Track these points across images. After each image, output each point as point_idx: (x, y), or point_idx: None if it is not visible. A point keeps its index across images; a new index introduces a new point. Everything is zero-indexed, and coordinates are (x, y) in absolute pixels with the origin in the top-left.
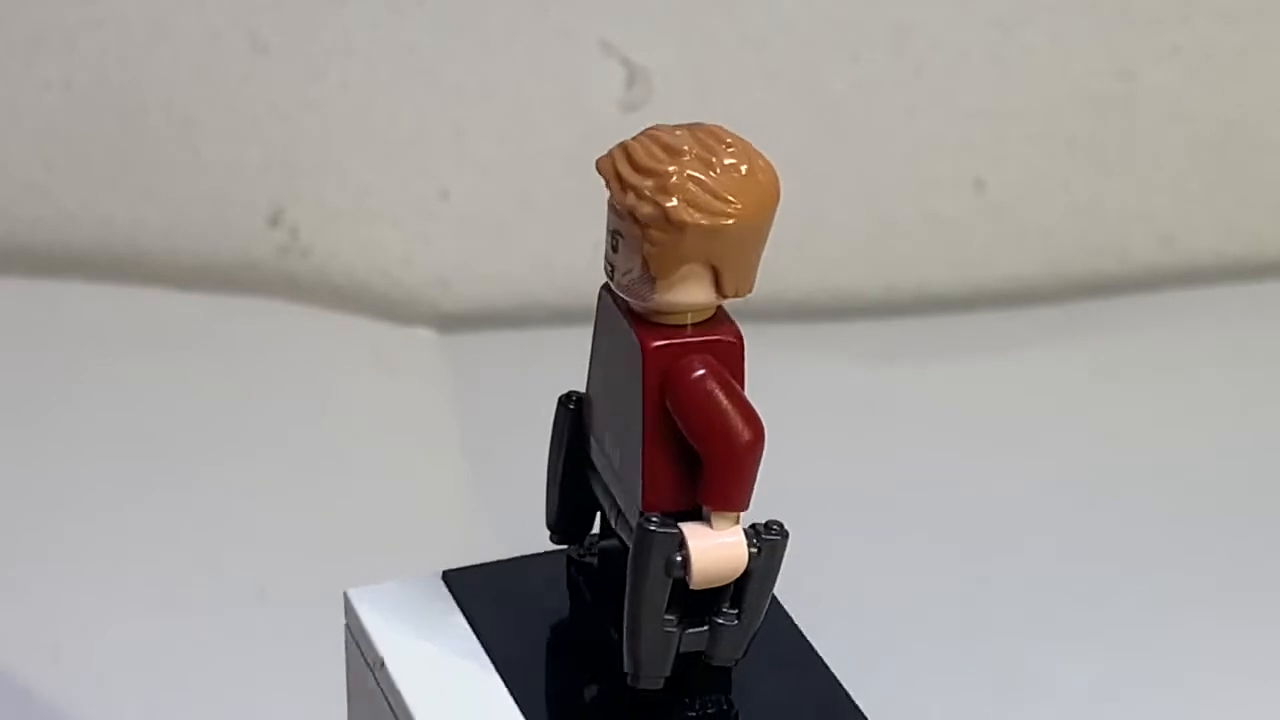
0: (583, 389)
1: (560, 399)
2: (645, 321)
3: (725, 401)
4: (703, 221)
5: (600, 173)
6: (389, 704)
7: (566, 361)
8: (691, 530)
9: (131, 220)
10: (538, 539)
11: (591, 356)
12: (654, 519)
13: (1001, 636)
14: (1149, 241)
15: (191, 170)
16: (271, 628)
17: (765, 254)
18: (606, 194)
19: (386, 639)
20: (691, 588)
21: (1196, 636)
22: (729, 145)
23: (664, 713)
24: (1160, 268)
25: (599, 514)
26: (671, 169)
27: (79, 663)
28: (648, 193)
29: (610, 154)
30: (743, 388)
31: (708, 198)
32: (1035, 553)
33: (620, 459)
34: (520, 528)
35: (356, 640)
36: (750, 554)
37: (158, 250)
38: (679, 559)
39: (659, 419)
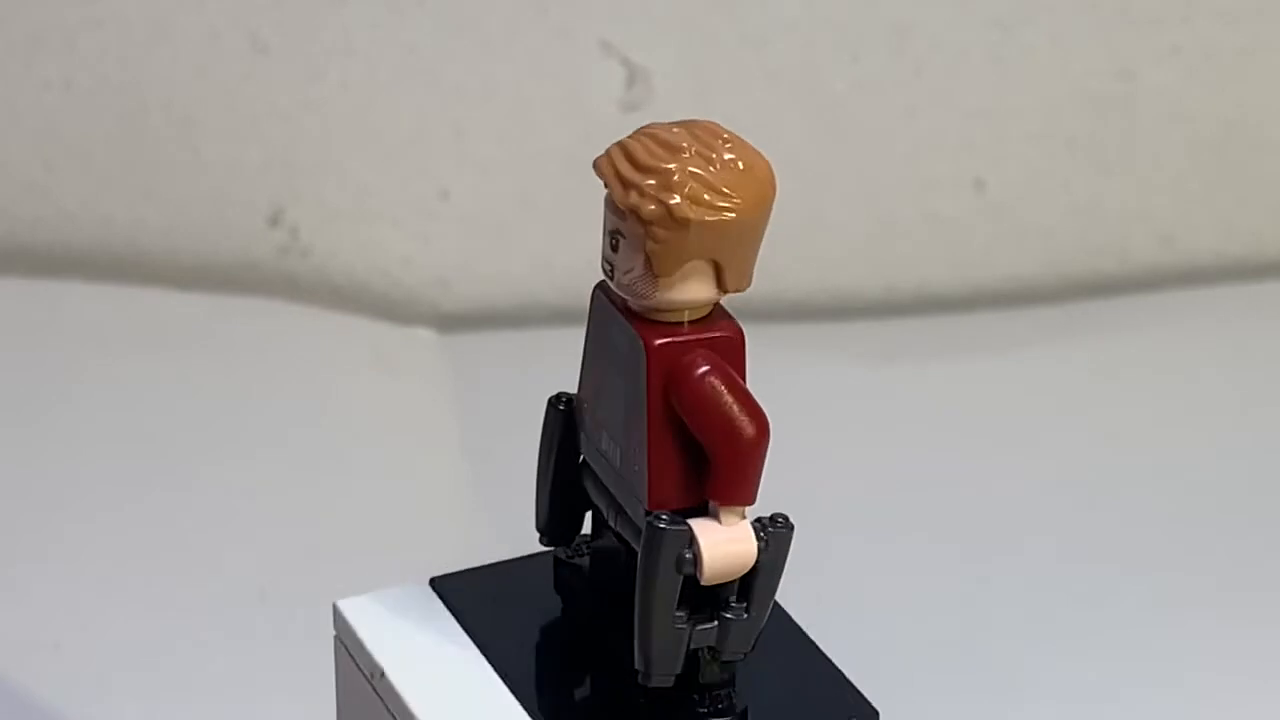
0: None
1: (550, 400)
2: (644, 320)
3: (731, 397)
4: (707, 217)
5: (599, 173)
6: (390, 714)
7: (567, 362)
8: (700, 526)
9: (131, 220)
10: (537, 540)
11: (585, 356)
12: (663, 517)
13: (1001, 636)
14: (1149, 241)
15: (191, 170)
16: (271, 628)
17: (765, 254)
18: (604, 194)
19: (384, 648)
20: (703, 584)
21: (1196, 636)
22: (726, 141)
23: (675, 709)
24: (1160, 268)
25: (590, 515)
26: (672, 166)
27: (79, 662)
28: (650, 191)
29: (608, 154)
30: (745, 383)
31: (710, 193)
32: (1035, 553)
33: (620, 458)
34: (520, 528)
35: (350, 651)
36: (759, 547)
37: (158, 250)
38: (689, 556)
39: (663, 417)
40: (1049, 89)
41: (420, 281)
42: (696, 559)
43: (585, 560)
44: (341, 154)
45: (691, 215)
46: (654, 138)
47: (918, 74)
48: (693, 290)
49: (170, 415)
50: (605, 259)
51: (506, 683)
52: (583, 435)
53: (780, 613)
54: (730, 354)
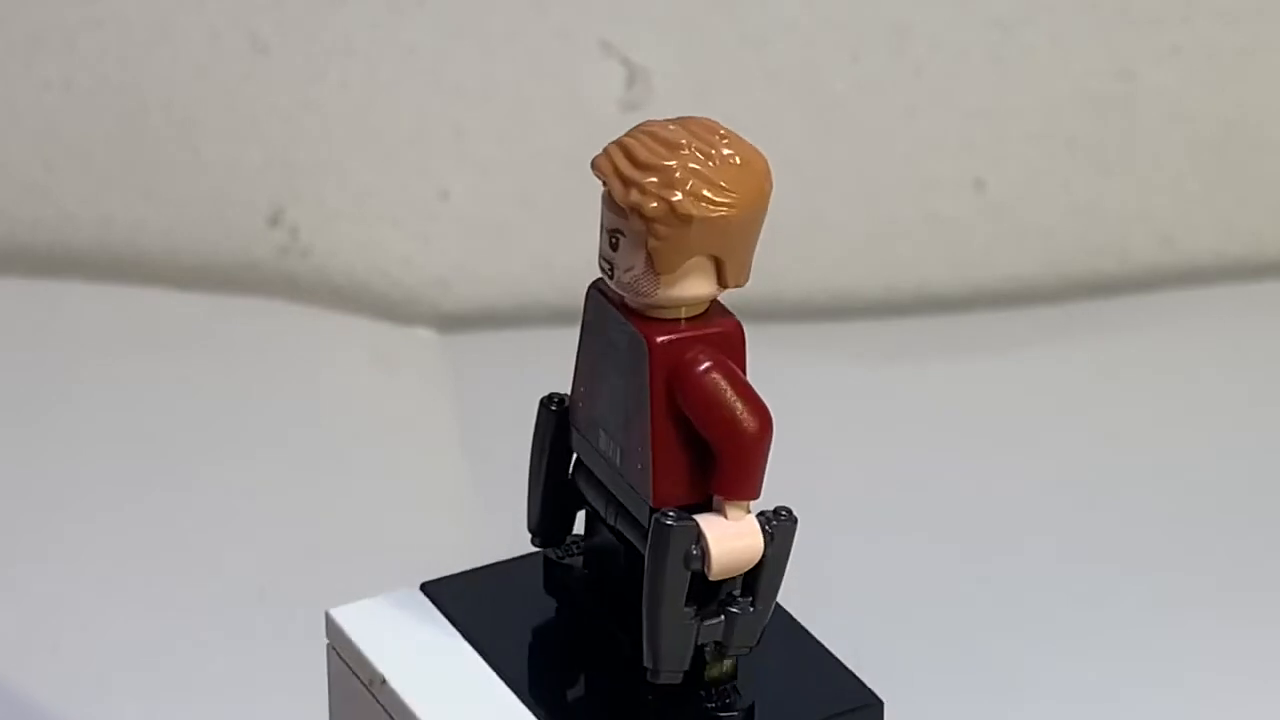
0: None
1: (542, 401)
2: (644, 317)
3: (735, 391)
4: (709, 213)
5: (599, 172)
6: None
7: (566, 362)
8: (707, 522)
9: (131, 220)
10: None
11: (579, 356)
12: (670, 514)
13: (1001, 636)
14: (1149, 241)
15: (191, 170)
16: (270, 628)
17: (764, 254)
18: (602, 192)
19: (382, 655)
20: (710, 579)
21: (1196, 636)
22: (723, 137)
23: (682, 704)
24: (1160, 268)
25: (583, 515)
26: (673, 163)
27: (78, 662)
28: (652, 189)
29: (607, 152)
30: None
31: (710, 190)
32: (1035, 553)
33: (620, 456)
34: (520, 528)
35: (345, 659)
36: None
37: (158, 250)
38: (697, 551)
39: (666, 414)
40: (1049, 89)
41: (420, 281)
42: (704, 554)
43: (577, 560)
44: (341, 154)
45: (694, 211)
46: (653, 135)
47: (918, 74)
48: (694, 286)
49: (170, 415)
50: (604, 258)
51: (509, 685)
52: (576, 435)
53: (779, 610)
54: (730, 349)
